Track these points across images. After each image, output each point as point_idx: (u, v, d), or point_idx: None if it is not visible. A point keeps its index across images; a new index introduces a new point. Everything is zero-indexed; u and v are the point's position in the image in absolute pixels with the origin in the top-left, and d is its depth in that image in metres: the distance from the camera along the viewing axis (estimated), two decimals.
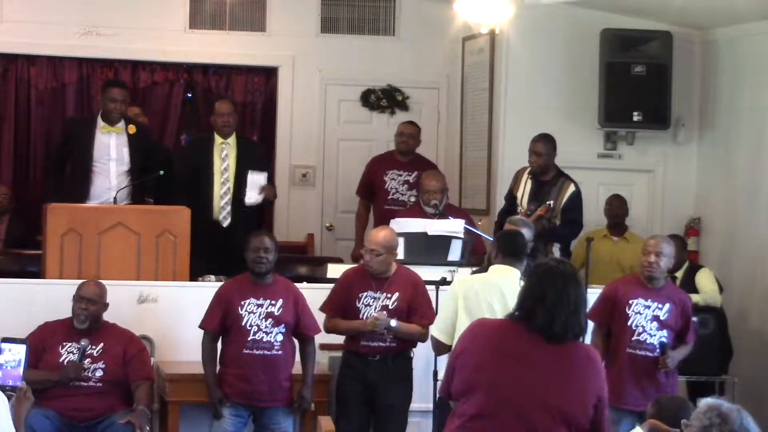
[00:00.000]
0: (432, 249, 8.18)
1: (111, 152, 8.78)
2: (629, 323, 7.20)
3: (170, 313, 7.39)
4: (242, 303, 7.11)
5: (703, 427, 3.95)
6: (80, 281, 7.47)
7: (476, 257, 8.46)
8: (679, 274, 9.08)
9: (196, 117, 11.09)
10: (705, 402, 4.04)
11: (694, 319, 7.54)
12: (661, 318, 7.19)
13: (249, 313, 7.10)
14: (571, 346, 4.44)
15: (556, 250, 8.84)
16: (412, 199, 9.73)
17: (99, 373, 7.14)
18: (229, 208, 8.98)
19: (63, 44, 10.54)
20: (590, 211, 9.58)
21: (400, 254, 7.68)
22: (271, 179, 9.21)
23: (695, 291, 8.93)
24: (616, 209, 9.75)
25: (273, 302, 7.13)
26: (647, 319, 7.19)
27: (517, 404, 4.35)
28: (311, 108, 10.96)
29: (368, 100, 11.01)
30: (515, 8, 9.11)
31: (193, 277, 8.21)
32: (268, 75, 11.07)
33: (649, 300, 7.21)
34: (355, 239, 10.06)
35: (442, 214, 8.74)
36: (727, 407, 3.98)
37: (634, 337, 7.19)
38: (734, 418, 3.94)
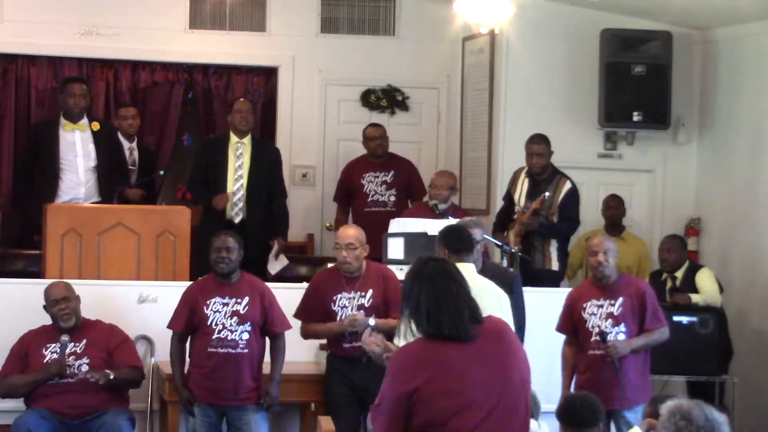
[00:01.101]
0: (432, 249, 8.16)
1: (77, 149, 8.80)
2: (587, 326, 7.23)
3: (170, 313, 7.36)
4: (207, 302, 7.14)
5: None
6: (81, 281, 7.48)
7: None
8: (679, 274, 9.08)
9: (196, 117, 11.10)
10: (665, 407, 4.03)
11: (692, 318, 7.52)
12: (615, 313, 7.20)
13: (214, 312, 7.13)
14: (483, 330, 4.32)
15: (553, 250, 8.85)
16: (392, 198, 9.87)
17: (85, 368, 7.16)
18: (241, 205, 9.08)
19: (63, 44, 10.54)
20: (590, 211, 9.59)
21: (400, 254, 7.70)
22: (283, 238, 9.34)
23: (695, 291, 8.94)
24: (613, 209, 9.76)
25: (239, 300, 7.15)
26: (602, 318, 7.21)
27: (497, 404, 4.27)
28: (311, 108, 10.97)
29: (368, 100, 11.02)
30: (515, 8, 9.12)
31: (201, 274, 8.23)
32: (268, 75, 11.07)
33: (601, 299, 7.24)
34: None
35: (442, 214, 8.77)
36: (687, 406, 3.97)
37: (593, 338, 7.20)
38: (697, 414, 3.94)
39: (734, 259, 9.78)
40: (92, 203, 8.65)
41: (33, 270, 8.59)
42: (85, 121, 8.87)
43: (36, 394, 7.13)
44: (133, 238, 8.12)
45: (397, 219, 8.53)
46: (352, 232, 7.23)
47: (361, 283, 7.22)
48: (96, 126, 8.90)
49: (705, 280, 9.05)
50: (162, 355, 7.66)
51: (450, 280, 4.35)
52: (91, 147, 8.82)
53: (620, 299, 7.21)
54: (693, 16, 9.89)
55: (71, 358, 7.17)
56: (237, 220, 9.07)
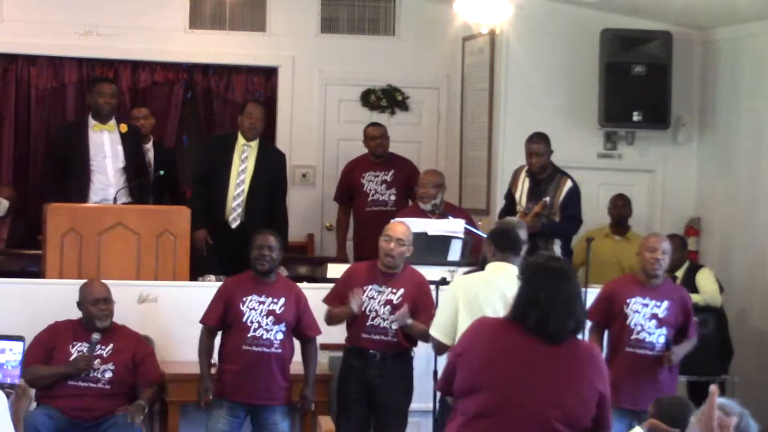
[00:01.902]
0: (432, 249, 8.18)
1: (106, 150, 8.80)
2: (628, 322, 7.20)
3: (170, 313, 7.38)
4: (244, 299, 7.10)
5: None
6: (81, 281, 7.47)
7: (476, 257, 8.46)
8: (679, 274, 9.08)
9: (196, 117, 11.10)
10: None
11: (695, 319, 7.52)
12: (660, 316, 7.19)
13: (250, 309, 7.09)
14: (571, 344, 4.41)
15: (557, 249, 8.84)
16: (392, 198, 9.86)
17: (108, 375, 7.13)
18: (240, 209, 9.03)
19: (63, 44, 10.54)
20: (590, 211, 9.58)
21: None
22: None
23: (695, 291, 8.93)
24: (620, 209, 9.75)
25: (275, 300, 7.12)
26: (646, 318, 7.19)
27: (519, 404, 4.33)
28: (311, 108, 10.97)
29: (368, 100, 11.02)
30: (515, 8, 9.11)
31: (197, 275, 8.23)
32: (268, 75, 11.07)
33: (647, 298, 7.21)
34: (337, 245, 10.16)
35: (443, 214, 8.76)
36: (731, 408, 3.98)
37: (633, 336, 7.18)
38: (738, 414, 3.94)
39: (734, 259, 9.78)
40: (123, 204, 8.64)
41: (33, 270, 8.58)
42: (113, 122, 8.88)
43: (52, 390, 7.04)
44: (133, 238, 8.11)
45: (397, 219, 8.51)
46: (403, 229, 7.26)
47: (396, 281, 7.21)
48: (124, 128, 8.92)
49: (705, 280, 9.05)
50: (162, 355, 7.66)
51: (573, 282, 4.45)
52: (120, 148, 8.83)
53: (666, 302, 7.20)
54: (693, 16, 9.89)
55: (96, 361, 7.13)
56: (234, 225, 9.02)
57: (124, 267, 8.04)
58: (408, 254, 7.25)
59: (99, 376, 7.12)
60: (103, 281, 7.40)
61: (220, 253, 8.83)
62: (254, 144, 9.15)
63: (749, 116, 9.69)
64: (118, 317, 7.46)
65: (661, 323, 7.18)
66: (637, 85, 9.82)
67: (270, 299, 7.11)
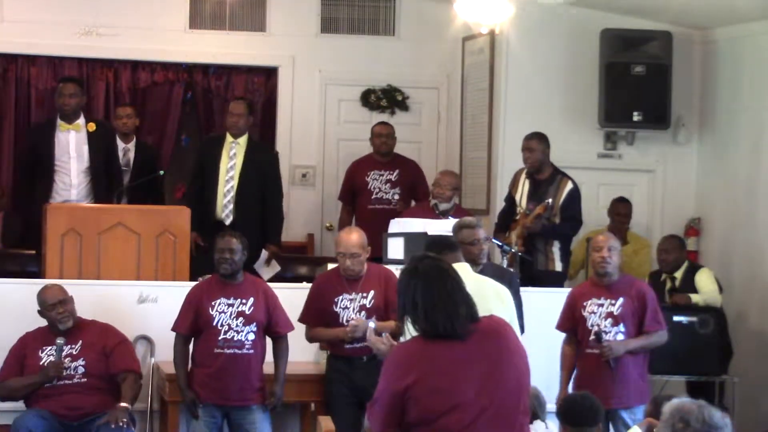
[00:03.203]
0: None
1: (71, 150, 8.80)
2: (587, 324, 7.23)
3: (170, 313, 7.36)
4: (213, 303, 7.13)
5: None
6: (80, 281, 7.47)
7: None
8: (678, 274, 9.07)
9: (196, 117, 11.10)
10: (668, 406, 4.03)
11: (693, 318, 7.52)
12: (615, 313, 7.19)
13: (220, 312, 7.12)
14: (480, 329, 4.30)
15: (555, 251, 8.85)
16: (396, 197, 9.88)
17: (81, 370, 7.17)
18: (231, 207, 9.04)
19: (63, 44, 10.54)
20: (590, 212, 9.58)
21: (400, 254, 7.70)
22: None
23: (695, 291, 8.94)
24: (623, 217, 9.71)
25: (244, 301, 7.14)
26: (601, 317, 7.20)
27: (490, 406, 4.27)
28: (311, 108, 10.97)
29: (368, 100, 11.02)
30: (515, 8, 9.11)
31: (194, 275, 8.23)
32: (268, 75, 11.07)
33: (602, 298, 7.23)
34: None
35: (443, 214, 8.78)
36: (688, 408, 3.97)
37: (590, 337, 7.19)
38: (696, 417, 3.93)
39: (734, 259, 9.78)
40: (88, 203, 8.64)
41: (33, 270, 8.58)
42: (80, 121, 8.87)
43: (36, 395, 7.13)
44: (133, 238, 8.12)
45: (397, 219, 8.54)
46: (355, 240, 7.18)
47: (363, 284, 7.21)
48: (92, 126, 8.88)
49: (705, 280, 9.04)
50: (162, 355, 7.66)
51: (445, 278, 4.32)
52: (85, 148, 8.81)
53: (621, 299, 7.20)
54: (693, 16, 9.89)
55: (67, 359, 7.16)
56: (228, 222, 9.01)
57: (124, 267, 8.04)
58: (367, 255, 7.22)
59: (72, 372, 7.16)
60: (57, 282, 7.40)
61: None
62: (242, 141, 9.16)
63: (749, 116, 9.69)
64: (118, 317, 7.47)
65: (617, 320, 7.18)
66: (637, 85, 9.82)
67: (238, 300, 7.14)
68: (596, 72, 9.90)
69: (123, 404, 7.07)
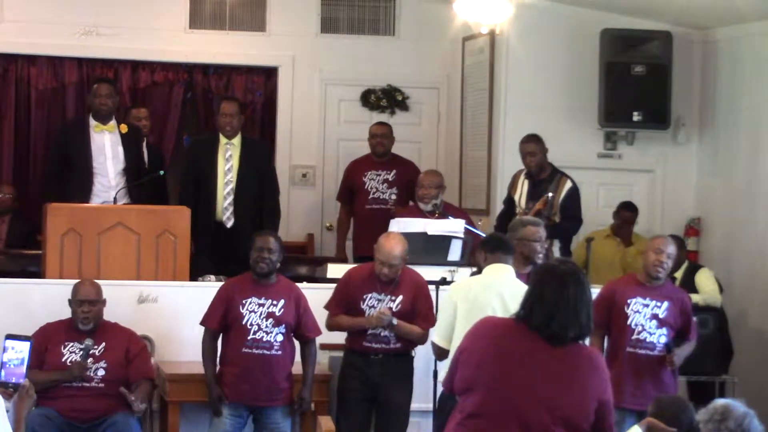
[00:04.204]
0: (432, 249, 8.19)
1: (107, 151, 8.78)
2: (628, 322, 7.19)
3: (170, 313, 7.38)
4: (244, 302, 7.11)
5: (704, 421, 3.99)
6: (77, 281, 7.47)
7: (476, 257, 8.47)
8: (678, 274, 9.07)
9: (196, 117, 11.10)
10: (722, 401, 4.09)
11: (694, 318, 7.52)
12: (660, 316, 7.18)
13: (250, 312, 7.10)
14: (573, 348, 4.40)
15: (556, 250, 8.85)
16: (393, 197, 9.87)
17: (101, 373, 7.14)
18: (232, 209, 9.01)
19: (63, 44, 10.54)
20: (590, 212, 9.59)
21: None
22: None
23: (695, 291, 8.93)
24: (627, 223, 9.70)
25: (275, 302, 7.13)
26: (646, 318, 7.19)
27: (515, 404, 4.32)
28: (311, 108, 10.96)
29: (368, 100, 11.02)
30: (515, 8, 9.11)
31: (195, 277, 8.23)
32: (268, 75, 11.07)
33: (648, 299, 7.21)
34: (337, 245, 10.15)
35: (443, 214, 8.77)
36: (735, 408, 4.00)
37: (634, 336, 7.18)
38: (735, 419, 3.96)
39: (734, 259, 9.78)
40: (123, 204, 8.62)
41: (33, 270, 8.58)
42: (113, 122, 8.86)
43: (48, 393, 7.03)
44: (133, 238, 8.11)
45: (397, 219, 8.54)
46: (396, 251, 7.13)
47: (395, 287, 7.20)
48: (124, 128, 8.88)
49: (705, 280, 9.05)
50: (162, 355, 7.66)
51: (578, 285, 4.43)
52: (120, 149, 8.80)
53: (667, 303, 7.19)
54: (693, 16, 9.89)
55: (89, 360, 7.13)
56: (229, 224, 8.99)
57: (124, 267, 8.04)
58: (404, 265, 7.22)
59: (92, 374, 7.13)
60: (97, 282, 7.39)
61: (213, 253, 8.80)
62: (236, 141, 9.11)
63: (749, 116, 9.69)
64: (118, 317, 7.46)
65: (661, 324, 7.18)
66: (637, 85, 9.82)
67: (269, 301, 7.12)
68: (596, 72, 9.90)
69: (145, 405, 7.10)
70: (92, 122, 8.81)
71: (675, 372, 7.28)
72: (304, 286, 7.57)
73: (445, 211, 8.83)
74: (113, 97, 8.92)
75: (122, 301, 7.69)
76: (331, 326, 7.33)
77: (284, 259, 9.25)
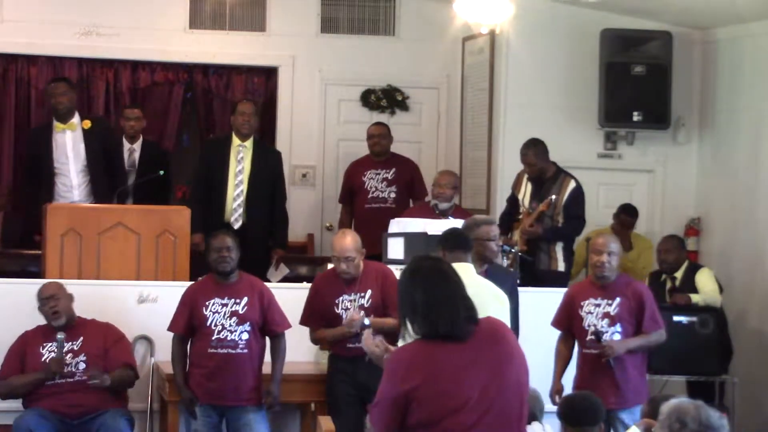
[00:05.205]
0: (432, 249, 8.15)
1: (68, 151, 8.80)
2: (583, 324, 7.22)
3: (170, 313, 7.36)
4: (207, 303, 7.15)
5: None
6: (80, 281, 7.48)
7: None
8: (678, 274, 9.07)
9: (196, 117, 11.10)
10: (666, 406, 4.04)
11: (692, 318, 7.51)
12: (612, 313, 7.17)
13: (213, 313, 7.14)
14: (479, 331, 4.29)
15: (559, 250, 8.85)
16: (392, 195, 9.90)
17: (82, 366, 7.19)
18: (241, 210, 9.07)
19: (63, 44, 10.54)
20: (590, 211, 9.58)
21: (400, 254, 7.70)
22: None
23: (695, 291, 8.93)
24: (627, 226, 9.71)
25: (237, 300, 7.16)
26: (598, 317, 7.19)
27: (493, 407, 4.27)
28: (311, 108, 10.97)
29: (368, 100, 11.03)
30: (515, 8, 9.11)
31: (195, 275, 8.23)
32: (268, 75, 11.07)
33: (599, 298, 7.22)
34: None
35: (443, 214, 8.79)
36: (685, 408, 3.98)
37: (588, 337, 7.18)
38: (692, 418, 3.94)
39: (734, 259, 9.78)
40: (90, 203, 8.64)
41: (33, 270, 8.58)
42: (75, 120, 8.85)
43: (35, 394, 7.14)
44: (133, 238, 8.12)
45: (397, 219, 8.54)
46: (348, 244, 7.18)
47: (360, 283, 7.22)
48: (87, 124, 8.87)
49: (705, 280, 9.04)
50: (162, 355, 7.66)
51: (445, 279, 4.32)
52: (81, 147, 8.80)
53: (617, 299, 7.19)
54: (693, 16, 9.89)
55: (68, 356, 7.18)
56: (237, 225, 9.06)
57: (124, 267, 8.05)
58: (362, 257, 7.23)
59: (73, 369, 7.18)
60: (57, 281, 7.45)
61: None
62: (249, 144, 9.18)
63: (749, 116, 9.69)
64: (118, 317, 7.47)
65: (613, 321, 7.16)
66: (637, 85, 9.82)
67: (232, 300, 7.15)
68: (596, 72, 9.90)
69: (107, 377, 7.11)
70: (54, 123, 8.83)
71: (634, 368, 7.15)
72: (303, 286, 7.56)
73: (453, 215, 8.84)
74: (69, 94, 8.91)
75: (122, 301, 7.69)
76: (315, 341, 7.37)
77: (284, 259, 9.35)
